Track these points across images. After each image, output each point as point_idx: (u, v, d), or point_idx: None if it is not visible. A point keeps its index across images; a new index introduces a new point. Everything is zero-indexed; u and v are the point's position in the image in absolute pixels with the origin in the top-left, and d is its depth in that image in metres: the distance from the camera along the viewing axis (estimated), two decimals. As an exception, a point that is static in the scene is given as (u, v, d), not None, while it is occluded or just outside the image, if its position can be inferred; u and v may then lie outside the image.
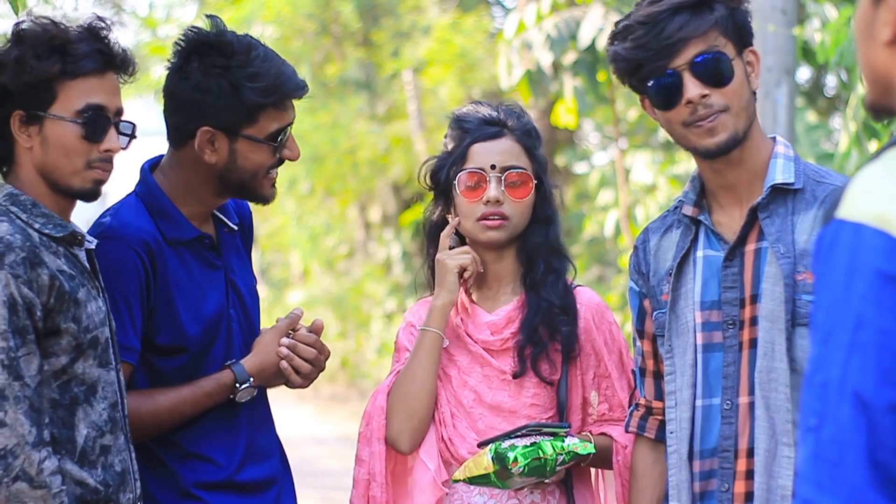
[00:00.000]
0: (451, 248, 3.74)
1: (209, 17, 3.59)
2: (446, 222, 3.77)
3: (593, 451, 3.60)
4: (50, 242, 3.24)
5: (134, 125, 3.42)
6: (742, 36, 3.35)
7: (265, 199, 3.65)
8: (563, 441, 3.56)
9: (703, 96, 3.28)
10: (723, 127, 3.30)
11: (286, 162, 3.63)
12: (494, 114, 3.74)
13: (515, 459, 3.51)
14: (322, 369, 3.71)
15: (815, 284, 1.80)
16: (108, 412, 3.30)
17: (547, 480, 3.59)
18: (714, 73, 3.30)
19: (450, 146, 3.77)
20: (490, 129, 3.73)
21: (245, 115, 3.52)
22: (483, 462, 3.55)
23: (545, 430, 3.57)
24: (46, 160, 3.28)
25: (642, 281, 3.49)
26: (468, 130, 3.73)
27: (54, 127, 3.27)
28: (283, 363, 3.63)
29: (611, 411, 3.74)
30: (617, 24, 3.39)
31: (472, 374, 3.71)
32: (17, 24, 3.31)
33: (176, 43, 3.57)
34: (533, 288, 3.72)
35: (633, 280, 3.52)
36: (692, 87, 3.29)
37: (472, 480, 3.58)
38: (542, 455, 3.53)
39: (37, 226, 3.24)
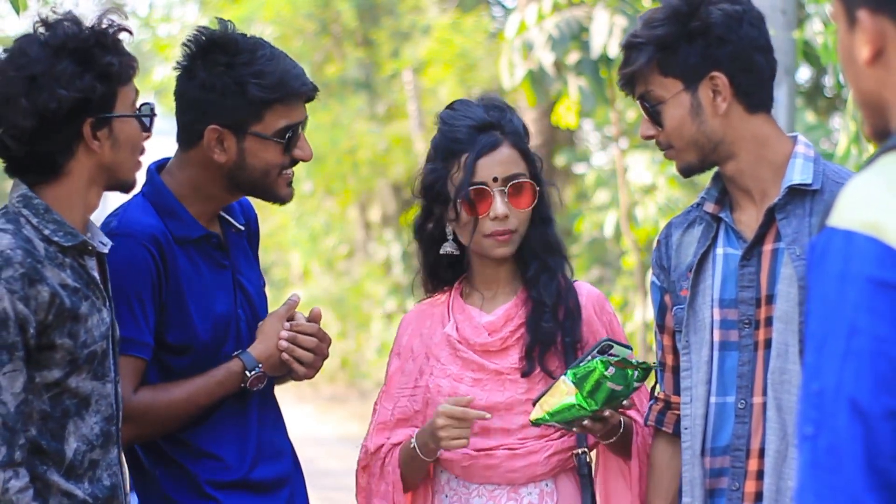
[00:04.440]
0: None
1: (218, 20, 3.60)
2: (444, 234, 3.68)
3: (657, 366, 3.49)
4: (56, 253, 3.21)
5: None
6: (695, 67, 3.29)
7: (280, 199, 3.65)
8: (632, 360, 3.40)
9: (650, 136, 3.36)
10: (674, 158, 3.37)
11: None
12: (485, 117, 3.62)
13: (603, 364, 3.32)
14: (326, 356, 3.69)
15: (808, 293, 1.80)
16: (100, 426, 3.27)
17: (625, 402, 3.41)
18: (650, 115, 3.35)
19: (440, 154, 3.65)
20: (485, 137, 3.60)
21: (251, 112, 3.53)
22: (562, 390, 3.36)
23: (612, 350, 3.40)
24: (116, 158, 3.30)
25: (664, 276, 3.48)
26: (461, 141, 3.61)
27: (122, 125, 3.30)
28: (285, 355, 3.63)
29: None
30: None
31: (463, 381, 3.64)
32: (66, 30, 3.24)
33: (184, 45, 3.59)
34: (529, 286, 3.67)
35: (655, 275, 3.51)
36: (644, 125, 3.39)
37: (555, 414, 3.37)
38: (623, 364, 3.35)
39: (46, 232, 3.21)
